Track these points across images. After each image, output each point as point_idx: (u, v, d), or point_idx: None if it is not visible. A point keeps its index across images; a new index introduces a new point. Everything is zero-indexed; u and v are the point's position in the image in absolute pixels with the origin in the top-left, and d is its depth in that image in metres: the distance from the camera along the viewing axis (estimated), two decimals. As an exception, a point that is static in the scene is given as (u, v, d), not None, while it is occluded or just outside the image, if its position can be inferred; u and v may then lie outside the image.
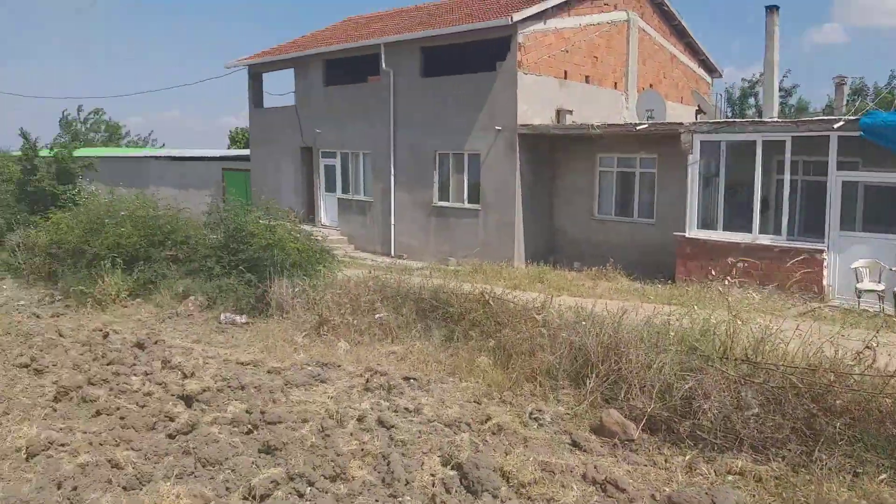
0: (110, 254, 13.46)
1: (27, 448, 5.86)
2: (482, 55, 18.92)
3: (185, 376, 7.88)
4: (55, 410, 7.14)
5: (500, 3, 18.94)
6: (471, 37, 17.39)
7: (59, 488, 5.05)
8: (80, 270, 14.00)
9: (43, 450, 5.80)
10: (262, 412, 6.50)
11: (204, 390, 7.22)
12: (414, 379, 7.94)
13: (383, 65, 18.81)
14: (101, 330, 10.92)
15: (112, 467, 5.31)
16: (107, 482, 5.06)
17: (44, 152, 19.97)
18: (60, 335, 10.64)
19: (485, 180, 17.46)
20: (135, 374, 8.26)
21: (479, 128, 17.35)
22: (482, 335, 8.91)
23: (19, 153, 20.31)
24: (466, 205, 17.98)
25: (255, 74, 23.92)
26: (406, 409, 6.97)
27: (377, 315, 10.60)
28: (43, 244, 15.65)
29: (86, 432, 6.33)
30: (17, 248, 16.76)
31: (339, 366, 8.70)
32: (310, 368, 8.43)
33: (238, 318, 11.55)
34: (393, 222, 19.56)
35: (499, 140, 16.99)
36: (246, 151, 26.59)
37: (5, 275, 17.10)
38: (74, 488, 4.92)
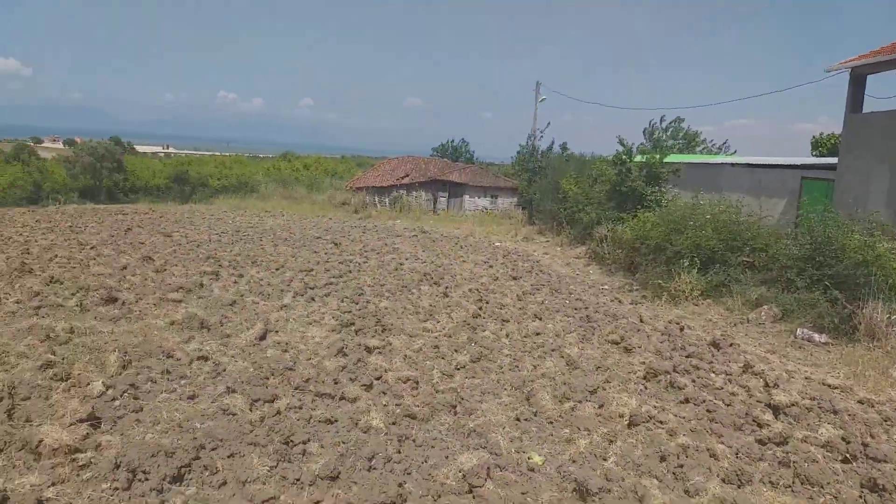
0: (689, 253, 14.16)
1: (630, 417, 6.61)
2: None
3: (767, 385, 7.68)
4: (646, 388, 7.88)
5: None
6: None
7: (661, 461, 5.53)
8: (658, 266, 15.21)
9: (643, 422, 6.45)
10: (864, 444, 5.83)
11: (792, 404, 6.90)
12: None
13: None
14: (676, 323, 11.64)
15: (710, 456, 5.54)
16: (706, 469, 5.30)
17: (637, 158, 22.17)
18: (641, 321, 11.75)
19: None
20: (714, 372, 8.48)
21: None
22: None
23: (611, 157, 23.05)
24: None
25: (858, 77, 21.54)
26: None
27: None
28: (628, 239, 17.54)
29: (676, 415, 6.78)
30: (604, 239, 19.26)
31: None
32: (917, 411, 7.20)
33: (817, 337, 10.70)
34: None
35: None
36: (828, 160, 24.29)
37: (591, 262, 19.92)
38: (680, 466, 5.30)
